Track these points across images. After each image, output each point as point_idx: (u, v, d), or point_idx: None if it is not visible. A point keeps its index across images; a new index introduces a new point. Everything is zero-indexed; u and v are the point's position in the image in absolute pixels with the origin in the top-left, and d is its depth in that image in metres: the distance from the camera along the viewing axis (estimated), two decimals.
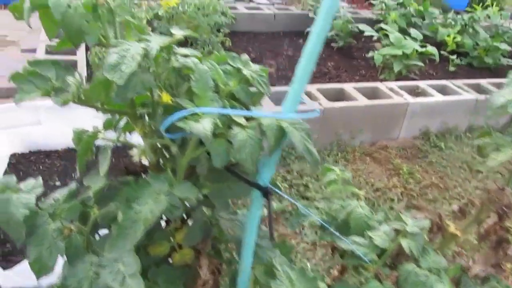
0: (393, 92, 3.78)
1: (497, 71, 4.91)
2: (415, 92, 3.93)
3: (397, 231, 1.25)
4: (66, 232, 0.95)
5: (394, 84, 3.92)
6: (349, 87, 3.78)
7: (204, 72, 0.93)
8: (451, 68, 4.78)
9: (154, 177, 0.93)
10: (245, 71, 1.02)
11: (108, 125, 1.17)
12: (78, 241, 0.96)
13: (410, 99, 3.73)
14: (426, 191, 3.33)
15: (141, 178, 0.95)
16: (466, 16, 5.10)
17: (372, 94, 3.80)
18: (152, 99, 1.02)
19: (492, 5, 5.32)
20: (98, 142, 1.12)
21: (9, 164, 2.74)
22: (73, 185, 1.08)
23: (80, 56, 3.64)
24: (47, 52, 3.63)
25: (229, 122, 0.92)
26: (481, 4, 5.36)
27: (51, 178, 2.68)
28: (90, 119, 2.88)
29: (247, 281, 1.10)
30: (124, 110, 1.02)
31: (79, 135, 1.14)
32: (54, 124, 2.85)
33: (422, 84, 4.07)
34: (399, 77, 4.28)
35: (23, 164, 2.76)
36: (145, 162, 1.01)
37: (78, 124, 2.62)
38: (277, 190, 1.01)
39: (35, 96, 0.88)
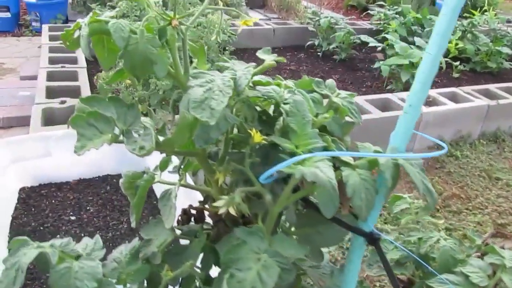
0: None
1: (500, 75, 4.82)
2: (427, 101, 3.80)
3: (495, 266, 1.08)
4: None
5: (405, 95, 3.78)
6: (360, 99, 3.64)
7: (301, 104, 0.76)
8: (455, 75, 4.68)
9: (245, 232, 0.76)
10: (335, 99, 0.86)
11: (164, 166, 1.00)
12: None
13: (423, 108, 3.59)
14: (449, 202, 3.19)
15: (230, 235, 0.78)
16: (465, 22, 5.01)
17: (383, 105, 3.67)
18: (227, 138, 0.86)
19: (489, 9, 5.25)
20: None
21: (18, 199, 2.53)
22: (135, 242, 0.90)
23: (83, 80, 3.45)
24: (49, 78, 3.43)
25: (333, 161, 0.75)
26: (478, 9, 5.28)
27: (64, 212, 2.48)
28: (102, 149, 2.69)
29: None
30: (195, 151, 0.85)
31: (131, 179, 0.97)
32: (64, 155, 2.65)
33: (432, 92, 3.94)
34: (407, 86, 4.15)
35: (33, 198, 2.56)
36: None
37: (90, 153, 2.42)
38: (384, 235, 0.84)
39: (100, 143, 0.70)
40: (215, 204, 0.77)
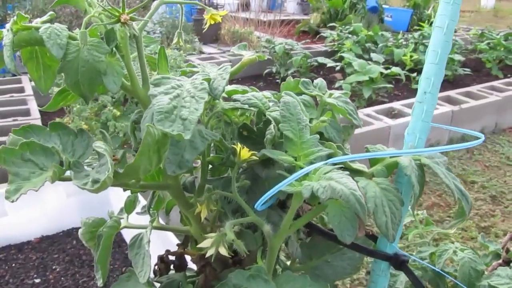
0: (372, 118, 3.57)
1: (456, 81, 4.85)
2: (392, 114, 3.74)
3: None
4: None
5: (370, 110, 3.71)
6: None
7: (294, 106, 0.60)
8: (414, 86, 4.66)
9: (244, 276, 0.58)
10: (329, 99, 0.70)
11: (130, 207, 0.81)
12: None
13: (390, 122, 3.52)
14: (431, 212, 3.07)
15: (223, 283, 0.59)
16: (416, 34, 5.04)
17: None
18: (204, 162, 0.68)
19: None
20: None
21: None
22: None
23: (33, 107, 3.20)
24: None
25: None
26: (426, 22, 5.35)
27: (27, 275, 2.21)
28: (63, 199, 2.44)
29: None
30: (166, 183, 0.67)
31: (92, 228, 0.78)
32: (22, 211, 2.39)
33: (396, 105, 3.88)
34: (370, 102, 4.09)
35: None
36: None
37: (50, 207, 2.16)
38: (411, 256, 0.68)
39: (41, 182, 0.52)
40: (200, 245, 0.58)
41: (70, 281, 2.18)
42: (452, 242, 1.04)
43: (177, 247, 0.84)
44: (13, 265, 2.24)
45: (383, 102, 4.18)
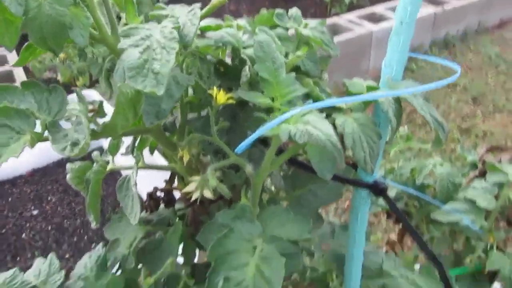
0: (354, 24, 3.49)
1: None
2: (375, 19, 3.66)
3: (499, 185, 0.97)
4: None
5: (352, 16, 3.62)
6: None
7: (267, 45, 0.58)
8: None
9: (230, 216, 0.60)
10: (305, 31, 0.69)
11: (113, 149, 0.82)
12: None
13: (372, 27, 3.45)
14: (414, 116, 3.12)
15: (211, 222, 0.62)
16: None
17: (333, 31, 3.50)
18: (182, 103, 0.68)
19: None
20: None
21: None
22: (99, 250, 0.73)
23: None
24: None
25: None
26: None
27: (25, 208, 2.26)
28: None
29: None
30: (147, 128, 0.67)
31: (79, 173, 0.79)
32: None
33: (378, 9, 3.79)
34: (351, 7, 3.98)
35: None
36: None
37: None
38: (390, 182, 0.71)
39: (20, 148, 0.51)
40: (185, 189, 0.60)
41: (67, 210, 2.25)
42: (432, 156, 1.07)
43: (164, 184, 0.86)
44: (9, 199, 2.29)
45: (364, 7, 4.07)
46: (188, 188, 0.60)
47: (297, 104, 0.57)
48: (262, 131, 0.49)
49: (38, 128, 0.55)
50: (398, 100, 0.59)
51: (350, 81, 0.62)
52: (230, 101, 0.57)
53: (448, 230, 1.04)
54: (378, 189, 0.67)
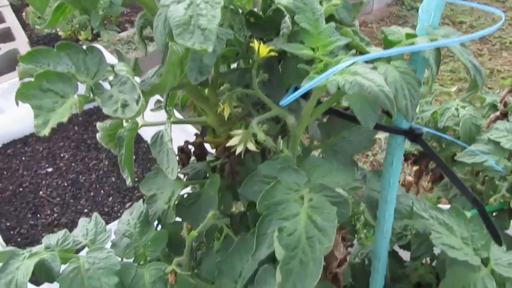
0: None
1: None
2: None
3: None
4: (170, 278, 0.63)
5: None
6: None
7: None
8: None
9: (273, 167, 0.61)
10: None
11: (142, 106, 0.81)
12: (190, 283, 0.65)
13: None
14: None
15: (252, 175, 0.63)
16: None
17: None
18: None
19: None
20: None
21: None
22: (140, 206, 0.74)
23: (11, 20, 3.03)
24: None
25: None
26: None
27: (39, 166, 2.29)
28: None
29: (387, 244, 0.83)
30: (183, 83, 0.67)
31: (110, 131, 0.79)
32: (18, 108, 2.38)
33: None
34: None
35: (1, 161, 2.33)
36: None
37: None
38: (426, 128, 0.71)
39: (68, 111, 0.51)
40: (229, 143, 0.61)
41: (81, 166, 2.27)
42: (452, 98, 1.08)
43: (195, 137, 0.87)
44: (23, 158, 2.31)
45: None
46: (232, 142, 0.60)
47: (339, 54, 0.56)
48: (313, 84, 0.49)
49: (81, 91, 0.55)
50: (437, 47, 0.59)
51: (388, 29, 0.61)
52: (272, 54, 0.56)
53: (469, 171, 1.05)
54: (413, 135, 0.68)
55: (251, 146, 0.60)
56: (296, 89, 0.65)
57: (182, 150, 0.87)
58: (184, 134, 0.90)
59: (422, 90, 1.09)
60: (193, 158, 0.88)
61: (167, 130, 0.76)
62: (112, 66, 0.56)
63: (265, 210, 0.56)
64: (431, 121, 1.09)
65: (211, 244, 0.78)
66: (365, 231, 1.17)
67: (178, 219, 0.76)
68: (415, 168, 1.37)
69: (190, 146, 0.87)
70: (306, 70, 0.56)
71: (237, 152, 0.60)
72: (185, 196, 0.77)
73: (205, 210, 0.73)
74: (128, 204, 2.07)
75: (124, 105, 0.48)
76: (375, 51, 0.58)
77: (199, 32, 0.48)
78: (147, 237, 0.68)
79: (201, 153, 0.86)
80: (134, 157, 0.79)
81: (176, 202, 0.76)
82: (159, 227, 0.77)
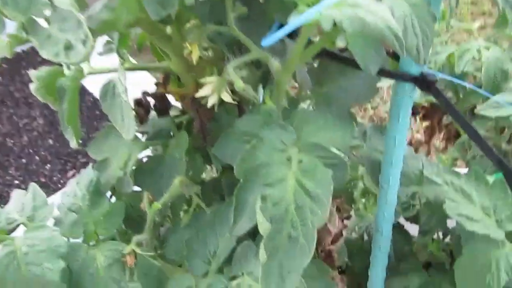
0: None
1: None
2: None
3: None
4: (129, 260, 0.65)
5: None
6: None
7: None
8: None
9: (255, 122, 0.63)
10: None
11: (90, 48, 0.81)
12: (153, 265, 0.67)
13: None
14: None
15: (228, 132, 0.64)
16: None
17: None
18: None
19: None
20: None
21: None
22: (89, 174, 0.75)
23: None
24: None
25: None
26: None
27: None
28: None
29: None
30: (140, 19, 0.66)
31: (48, 80, 0.79)
32: None
33: None
34: None
35: None
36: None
37: None
38: (440, 74, 0.73)
39: None
40: (199, 93, 0.61)
41: (10, 126, 2.25)
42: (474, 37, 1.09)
43: (155, 87, 0.87)
44: None
45: None
46: (202, 92, 0.61)
47: None
48: (302, 20, 0.50)
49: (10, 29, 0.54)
50: None
51: None
52: None
53: (493, 127, 1.08)
54: (425, 82, 0.70)
55: (226, 97, 0.61)
56: (281, 26, 0.65)
57: (140, 104, 0.87)
58: (141, 83, 0.90)
59: (437, 28, 1.11)
60: (153, 113, 0.89)
61: (120, 79, 0.76)
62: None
63: (245, 175, 0.58)
64: (447, 65, 1.11)
65: (178, 218, 0.80)
66: (364, 200, 1.20)
67: (136, 188, 0.78)
68: (425, 124, 1.40)
69: (149, 98, 0.88)
70: (293, 1, 0.56)
71: (208, 105, 0.61)
72: (145, 160, 0.78)
73: (169, 177, 0.75)
74: (71, 173, 2.07)
75: (68, 47, 0.48)
76: None
77: None
78: (98, 211, 0.69)
79: (163, 107, 0.87)
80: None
81: (134, 168, 0.76)
82: (113, 199, 0.78)
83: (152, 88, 0.86)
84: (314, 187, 0.54)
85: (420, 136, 1.48)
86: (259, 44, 0.62)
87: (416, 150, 1.44)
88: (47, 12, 0.56)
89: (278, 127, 0.61)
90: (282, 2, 0.59)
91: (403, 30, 0.58)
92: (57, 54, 0.47)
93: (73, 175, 1.99)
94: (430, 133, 1.41)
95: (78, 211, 0.70)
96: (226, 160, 0.66)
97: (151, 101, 0.87)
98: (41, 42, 0.50)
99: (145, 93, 0.86)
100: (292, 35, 0.64)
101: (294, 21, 0.51)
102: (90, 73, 0.79)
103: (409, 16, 0.58)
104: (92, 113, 2.22)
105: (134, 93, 0.87)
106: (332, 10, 0.51)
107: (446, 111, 0.72)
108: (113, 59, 0.82)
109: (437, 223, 0.98)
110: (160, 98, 0.86)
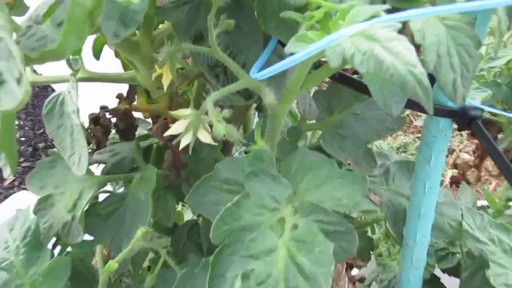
0: None
1: None
2: None
3: None
4: None
5: None
6: None
7: None
8: None
9: (236, 167, 0.64)
10: None
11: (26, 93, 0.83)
12: None
13: None
14: None
15: (206, 178, 0.66)
16: None
17: None
18: None
19: None
20: None
21: None
22: (26, 216, 0.76)
23: None
24: None
25: None
26: None
27: None
28: None
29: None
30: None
31: None
32: None
33: None
34: None
35: None
36: None
37: None
38: (487, 107, 0.74)
39: None
40: (170, 131, 0.62)
41: None
42: None
43: (118, 100, 0.88)
44: None
45: None
46: (174, 129, 0.62)
47: None
48: (305, 55, 0.51)
49: None
50: None
51: None
52: None
53: None
54: (466, 118, 0.71)
55: (205, 137, 0.62)
56: (280, 44, 0.66)
57: (96, 122, 0.88)
58: (99, 95, 0.92)
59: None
60: (113, 132, 0.90)
61: (71, 93, 0.77)
62: None
63: (224, 239, 0.59)
64: (504, 73, 1.11)
65: (141, 277, 0.81)
66: (387, 245, 1.22)
67: (88, 236, 0.79)
68: (475, 141, 1.40)
69: (108, 115, 0.89)
70: (293, 19, 0.58)
71: (181, 145, 0.62)
72: (101, 200, 0.79)
73: (131, 225, 0.76)
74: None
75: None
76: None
77: None
78: (37, 268, 0.71)
79: (126, 127, 0.88)
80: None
81: (85, 210, 0.78)
82: (56, 251, 0.79)
83: (113, 102, 0.88)
84: (310, 265, 0.56)
85: (468, 156, 1.47)
86: (249, 66, 0.64)
87: (462, 176, 1.44)
88: None
89: (270, 178, 0.62)
90: (280, 18, 0.60)
91: (437, 61, 0.59)
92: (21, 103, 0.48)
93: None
94: (481, 154, 1.40)
95: (10, 269, 0.71)
96: (203, 213, 0.67)
97: (112, 118, 0.88)
98: None
99: (104, 109, 0.88)
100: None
101: (295, 56, 0.52)
102: (33, 83, 0.80)
103: (445, 43, 0.59)
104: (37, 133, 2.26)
105: (89, 107, 0.89)
106: (343, 41, 0.52)
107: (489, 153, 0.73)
108: (62, 65, 0.83)
109: (483, 282, 0.98)
110: (123, 116, 0.87)
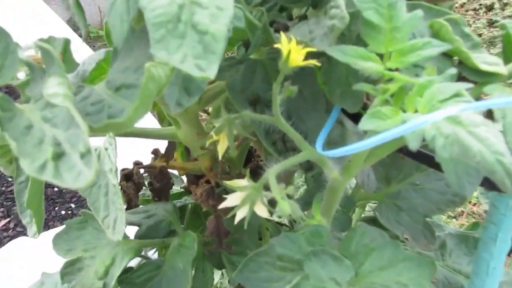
0: None
1: None
2: None
3: None
4: None
5: None
6: None
7: None
8: None
9: (292, 244, 0.66)
10: None
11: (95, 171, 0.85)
12: None
13: None
14: None
15: (256, 253, 0.67)
16: None
17: None
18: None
19: None
20: None
21: None
22: (52, 279, 0.78)
23: None
24: None
25: None
26: None
27: None
28: None
29: None
30: None
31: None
32: None
33: None
34: None
35: None
36: None
37: None
38: None
39: None
40: (224, 204, 0.64)
41: None
42: None
43: (153, 156, 0.90)
44: None
45: None
46: (229, 202, 0.63)
47: (425, 72, 0.60)
48: (380, 140, 0.53)
49: None
50: None
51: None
52: (312, 63, 0.59)
53: None
54: None
55: (263, 211, 0.63)
56: (347, 114, 0.68)
57: (129, 178, 0.90)
58: (133, 149, 0.94)
59: None
60: (146, 190, 0.92)
61: (108, 150, 0.78)
62: (29, 64, 0.58)
63: None
64: None
65: None
66: None
67: None
68: None
69: (142, 171, 0.90)
70: (363, 93, 0.60)
71: (235, 220, 0.63)
72: (135, 267, 0.81)
73: None
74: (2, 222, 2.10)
75: (57, 156, 0.49)
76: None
77: (194, 38, 0.50)
78: None
79: (162, 186, 0.89)
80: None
81: (118, 277, 0.79)
82: None
83: (147, 158, 0.89)
84: None
85: None
86: (310, 134, 0.66)
87: None
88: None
89: (331, 258, 0.64)
90: (346, 86, 0.61)
91: None
92: (42, 167, 0.47)
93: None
94: None
95: None
96: None
97: (146, 174, 0.90)
98: (17, 139, 0.50)
99: (138, 164, 0.89)
100: (356, 118, 0.68)
101: (373, 140, 0.54)
102: None
103: None
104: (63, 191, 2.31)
105: (125, 162, 0.90)
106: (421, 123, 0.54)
107: None
108: None
109: None
110: (159, 174, 0.88)
